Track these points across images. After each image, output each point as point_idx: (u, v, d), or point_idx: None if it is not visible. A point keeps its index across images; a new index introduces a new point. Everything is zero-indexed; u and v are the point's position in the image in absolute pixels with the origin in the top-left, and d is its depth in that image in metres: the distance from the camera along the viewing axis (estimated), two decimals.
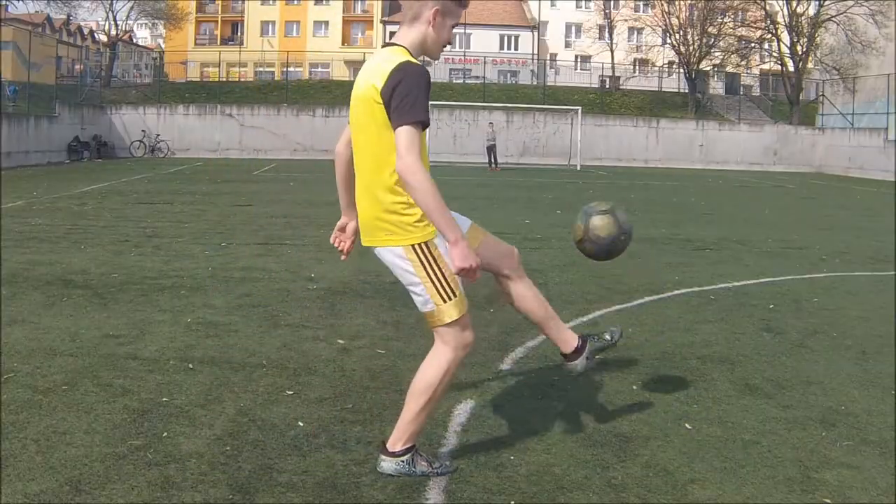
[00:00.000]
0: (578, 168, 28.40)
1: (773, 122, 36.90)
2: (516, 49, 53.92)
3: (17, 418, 3.25)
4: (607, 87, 42.58)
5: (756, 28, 38.94)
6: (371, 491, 2.71)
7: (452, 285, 2.69)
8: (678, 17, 38.88)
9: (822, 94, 36.16)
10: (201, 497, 2.62)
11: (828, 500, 2.74)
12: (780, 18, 37.99)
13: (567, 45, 54.84)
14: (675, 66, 43.16)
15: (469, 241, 2.62)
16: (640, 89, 41.03)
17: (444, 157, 29.93)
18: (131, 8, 41.50)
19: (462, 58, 51.25)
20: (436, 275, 2.67)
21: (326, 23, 54.88)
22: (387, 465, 2.81)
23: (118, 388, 3.65)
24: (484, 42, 52.64)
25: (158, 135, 30.99)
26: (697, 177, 26.27)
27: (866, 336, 5.02)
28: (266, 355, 4.25)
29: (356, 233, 2.97)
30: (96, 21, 52.11)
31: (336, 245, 3.12)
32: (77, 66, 43.51)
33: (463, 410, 3.49)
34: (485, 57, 43.67)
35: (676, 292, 6.28)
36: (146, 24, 50.11)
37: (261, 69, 49.94)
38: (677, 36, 39.23)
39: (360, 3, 55.47)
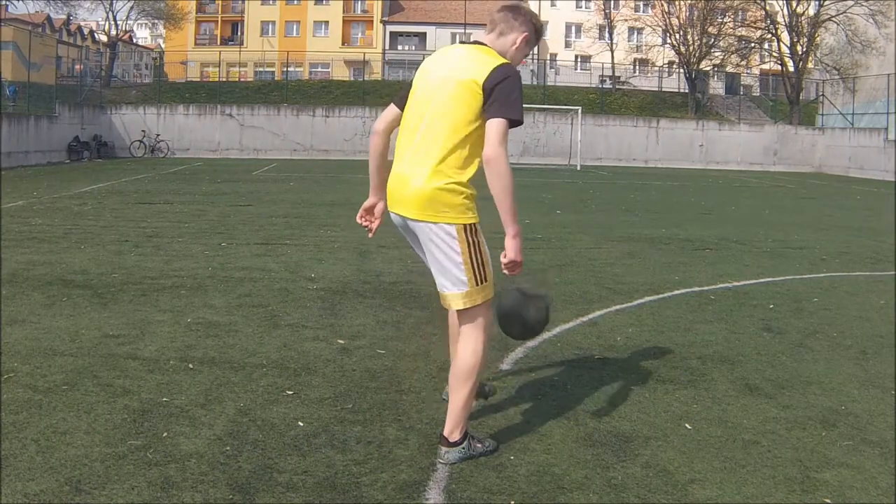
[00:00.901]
0: (578, 168, 28.41)
1: (773, 122, 36.89)
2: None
3: (17, 418, 3.25)
4: (607, 87, 42.60)
5: (756, 28, 38.95)
6: (371, 491, 2.71)
7: (487, 271, 2.87)
8: (678, 17, 38.88)
9: (822, 94, 36.17)
10: (201, 497, 2.63)
11: (828, 500, 2.74)
12: (780, 18, 38.00)
13: (567, 45, 54.84)
14: (675, 66, 43.17)
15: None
16: (641, 89, 41.04)
17: None
18: (131, 8, 41.53)
19: None
20: (477, 258, 2.84)
21: (326, 23, 54.88)
22: (452, 455, 2.91)
23: (118, 388, 3.65)
24: None
25: (158, 135, 30.99)
26: (697, 177, 26.28)
27: (866, 336, 5.02)
28: (266, 355, 4.25)
29: (383, 213, 3.14)
30: (96, 21, 52.23)
31: (363, 224, 3.26)
32: (77, 66, 43.50)
33: None
34: None
35: (676, 292, 6.28)
36: (146, 24, 50.16)
37: (261, 69, 49.95)
38: (677, 36, 39.23)
39: (360, 3, 55.47)
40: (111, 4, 40.02)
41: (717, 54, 39.89)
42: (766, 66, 45.29)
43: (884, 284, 6.86)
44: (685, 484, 2.83)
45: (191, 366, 4.03)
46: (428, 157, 2.82)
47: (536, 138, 33.04)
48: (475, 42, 2.95)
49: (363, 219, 3.25)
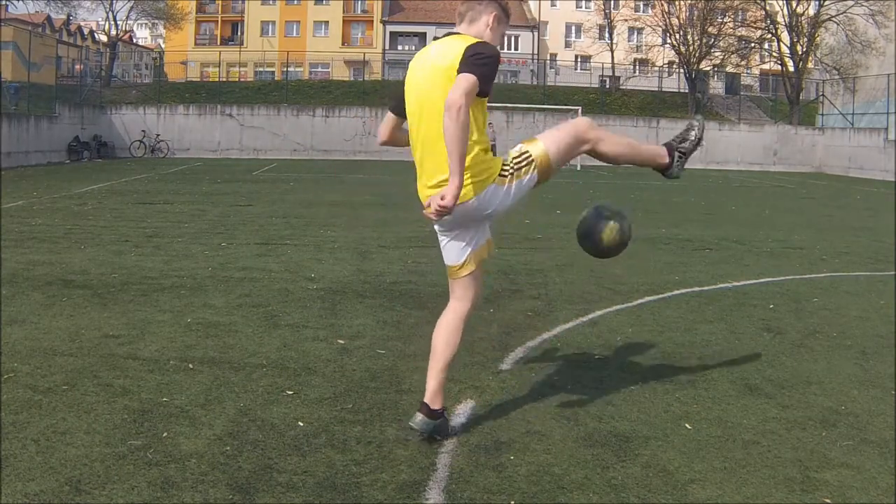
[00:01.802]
0: (578, 168, 28.39)
1: (773, 122, 36.90)
2: (516, 49, 53.89)
3: (17, 418, 3.25)
4: (607, 87, 42.58)
5: (756, 28, 38.96)
6: (371, 491, 2.71)
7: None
8: (678, 17, 38.89)
9: (822, 94, 36.17)
10: (201, 497, 2.63)
11: (828, 500, 2.74)
12: (780, 18, 38.01)
13: (567, 45, 54.85)
14: (675, 66, 43.16)
15: (482, 252, 3.12)
16: (641, 89, 41.04)
17: None
18: (131, 8, 41.53)
19: None
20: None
21: (326, 23, 54.87)
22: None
23: (118, 388, 3.65)
24: None
25: (158, 135, 30.99)
26: (697, 177, 26.27)
27: (866, 336, 5.02)
28: (266, 355, 4.25)
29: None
30: (96, 21, 52.22)
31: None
32: (77, 66, 43.49)
33: (463, 410, 3.49)
34: None
35: (676, 292, 6.28)
36: (146, 24, 50.13)
37: (261, 69, 49.94)
38: (677, 36, 39.24)
39: (360, 3, 55.46)
40: (111, 4, 40.04)
41: (717, 54, 39.89)
42: (766, 66, 45.32)
43: (884, 284, 6.86)
44: (685, 484, 2.83)
45: (191, 366, 4.03)
46: (440, 154, 2.88)
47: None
48: (448, 34, 3.00)
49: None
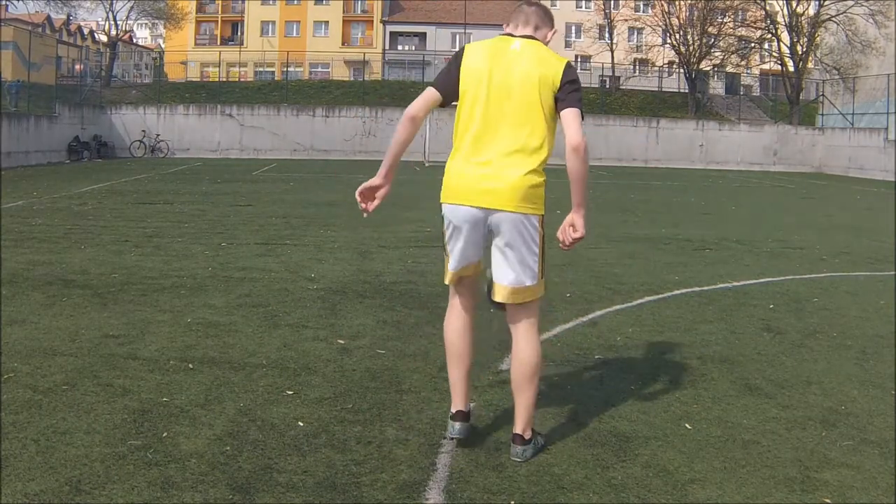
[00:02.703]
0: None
1: (773, 122, 36.90)
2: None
3: (17, 418, 3.25)
4: (607, 87, 42.58)
5: (756, 28, 38.96)
6: (371, 491, 2.71)
7: (546, 265, 3.05)
8: (678, 17, 38.89)
9: (822, 94, 36.18)
10: (201, 497, 2.63)
11: (828, 500, 2.74)
12: (780, 18, 38.01)
13: (567, 45, 54.82)
14: (675, 66, 43.16)
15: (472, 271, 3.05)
16: (641, 89, 41.03)
17: (445, 157, 29.84)
18: (131, 8, 41.54)
19: None
20: (544, 250, 3.01)
21: (326, 23, 54.88)
22: (529, 451, 2.99)
23: (118, 388, 3.65)
24: None
25: (158, 135, 30.98)
26: (697, 177, 26.28)
27: (866, 336, 5.02)
28: (266, 355, 4.25)
29: (383, 198, 3.08)
30: (96, 21, 52.22)
31: (360, 201, 3.05)
32: (77, 66, 43.53)
33: None
34: None
35: (676, 292, 6.28)
36: (146, 24, 50.17)
37: (261, 69, 49.96)
38: (677, 36, 39.24)
39: (360, 3, 55.46)
40: (111, 4, 40.05)
41: (717, 54, 39.90)
42: (766, 66, 45.32)
43: (884, 284, 6.86)
44: (685, 484, 2.83)
45: (191, 366, 4.03)
46: (520, 152, 2.91)
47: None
48: (525, 36, 3.04)
49: (363, 196, 3.05)
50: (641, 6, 46.70)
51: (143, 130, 30.66)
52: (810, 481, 2.88)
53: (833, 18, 34.62)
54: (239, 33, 55.18)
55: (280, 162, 28.19)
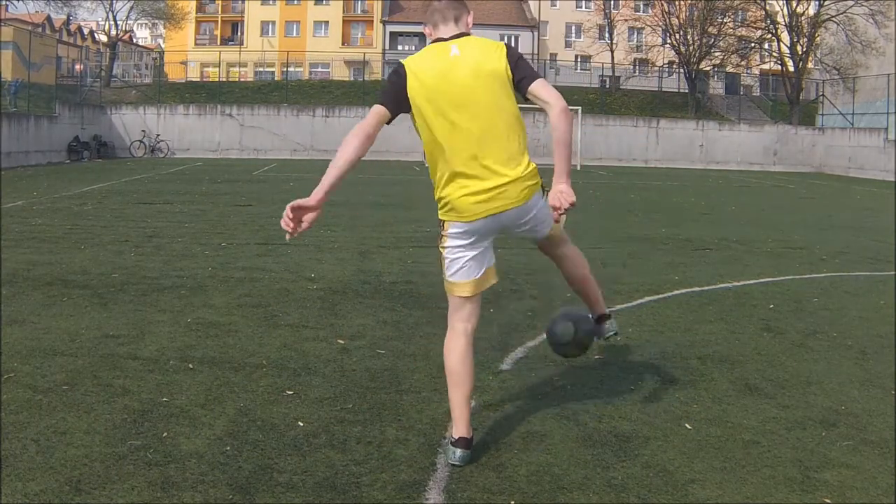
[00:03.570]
0: (579, 168, 28.40)
1: (773, 122, 36.90)
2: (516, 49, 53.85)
3: (17, 418, 3.25)
4: (607, 87, 42.58)
5: (756, 28, 38.96)
6: (371, 491, 2.71)
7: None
8: (678, 17, 38.88)
9: (822, 94, 36.17)
10: (201, 497, 2.63)
11: (828, 500, 2.74)
12: (780, 18, 38.00)
13: (567, 44, 54.81)
14: (675, 66, 43.16)
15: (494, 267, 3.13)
16: (641, 89, 41.03)
17: None
18: (131, 8, 41.54)
19: None
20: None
21: (326, 23, 54.85)
22: (610, 325, 3.54)
23: (118, 388, 3.65)
24: None
25: (158, 135, 31.00)
26: (697, 177, 26.28)
27: (866, 336, 5.02)
28: (266, 355, 4.25)
29: (312, 222, 2.84)
30: (96, 21, 52.21)
31: (286, 225, 2.77)
32: (77, 66, 43.54)
33: None
34: None
35: (676, 292, 6.28)
36: (146, 24, 50.14)
37: (261, 69, 49.95)
38: (677, 36, 39.24)
39: (360, 3, 55.44)
40: (111, 4, 40.06)
41: (717, 54, 39.89)
42: (766, 66, 45.30)
43: (884, 284, 6.86)
44: (685, 484, 2.83)
45: (191, 366, 4.03)
46: (506, 152, 2.96)
47: (536, 138, 32.75)
48: (456, 36, 3.03)
49: (290, 219, 2.77)
50: (641, 6, 46.69)
51: (143, 130, 30.68)
52: (810, 481, 2.88)
53: (833, 18, 34.62)
54: (239, 33, 55.16)
55: (280, 162, 28.20)
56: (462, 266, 3.04)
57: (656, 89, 41.51)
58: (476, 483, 2.79)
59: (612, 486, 2.80)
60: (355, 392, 3.70)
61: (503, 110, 2.97)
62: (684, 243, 9.20)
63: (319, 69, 49.27)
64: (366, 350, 4.41)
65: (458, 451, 2.95)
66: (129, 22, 43.20)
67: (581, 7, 53.40)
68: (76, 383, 3.70)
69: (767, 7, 38.18)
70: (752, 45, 39.68)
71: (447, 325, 3.14)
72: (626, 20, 45.30)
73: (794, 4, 36.49)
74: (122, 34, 43.38)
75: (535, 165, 3.04)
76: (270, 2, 54.78)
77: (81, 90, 32.69)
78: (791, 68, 37.25)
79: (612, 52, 42.98)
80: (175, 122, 31.83)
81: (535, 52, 53.02)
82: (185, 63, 47.06)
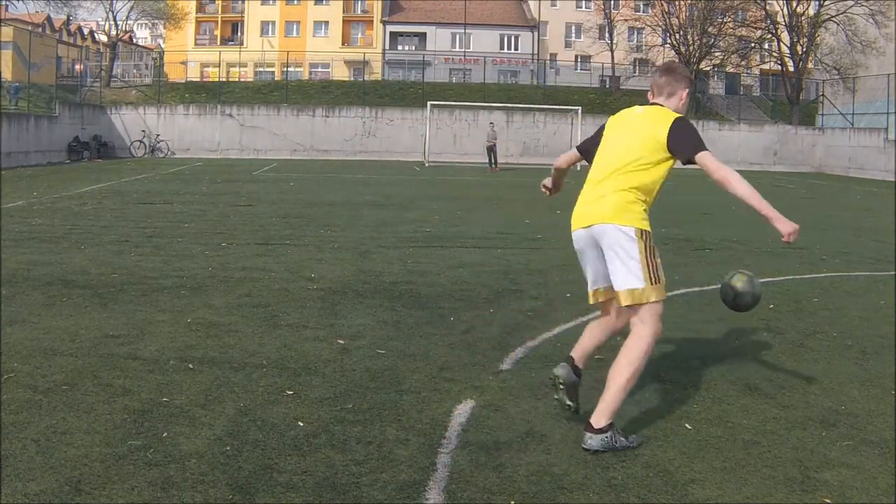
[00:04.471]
0: (578, 168, 28.33)
1: (773, 122, 36.90)
2: (516, 49, 53.89)
3: (17, 418, 3.25)
4: (607, 87, 42.58)
5: (756, 28, 38.95)
6: (371, 491, 2.71)
7: (660, 273, 3.25)
8: (678, 17, 38.88)
9: (822, 94, 36.17)
10: (201, 497, 2.63)
11: (828, 500, 2.74)
12: (780, 18, 38.00)
13: (567, 44, 54.81)
14: None
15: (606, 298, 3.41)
16: (641, 89, 41.02)
17: (445, 157, 29.97)
18: (131, 8, 41.54)
19: (462, 58, 51.25)
20: (650, 259, 3.23)
21: (326, 23, 54.85)
22: (594, 441, 3.09)
23: (118, 388, 3.65)
24: (484, 42, 52.64)
25: (158, 135, 30.99)
26: (697, 177, 26.24)
27: (866, 336, 5.02)
28: (266, 355, 4.25)
29: (558, 188, 4.02)
30: (96, 21, 52.23)
31: (544, 188, 4.03)
32: (77, 66, 43.52)
33: (463, 410, 3.49)
34: (485, 57, 43.64)
35: (676, 292, 6.28)
36: (146, 24, 50.18)
37: (261, 69, 49.94)
38: (677, 36, 39.23)
39: (360, 3, 55.44)
40: (111, 4, 40.05)
41: (717, 54, 39.88)
42: (766, 66, 45.28)
43: (884, 284, 6.86)
44: (685, 484, 2.83)
45: (191, 366, 4.03)
46: (617, 182, 3.31)
47: (536, 138, 33.03)
48: (653, 104, 3.49)
49: (546, 188, 4.02)
50: (641, 6, 46.69)
51: (143, 130, 30.68)
52: (810, 481, 2.88)
53: (833, 18, 34.61)
54: (239, 33, 55.15)
55: (280, 162, 28.19)
56: (583, 272, 3.55)
57: None
58: (476, 483, 2.79)
59: (612, 486, 2.80)
60: (355, 392, 3.70)
61: (638, 158, 3.34)
62: (684, 243, 9.20)
63: (319, 69, 49.27)
64: (366, 350, 4.41)
65: (562, 363, 3.43)
66: (129, 22, 43.20)
67: (581, 7, 53.42)
68: (76, 383, 3.70)
69: (767, 7, 38.18)
70: (752, 45, 39.67)
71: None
72: (626, 20, 45.31)
73: (794, 4, 36.48)
74: (122, 34, 43.36)
75: (643, 206, 3.34)
76: (270, 2, 54.79)
77: (81, 90, 32.70)
78: (791, 68, 37.25)
79: (612, 52, 43.00)
80: (175, 122, 31.82)
81: (535, 51, 53.05)
82: (185, 63, 47.04)
